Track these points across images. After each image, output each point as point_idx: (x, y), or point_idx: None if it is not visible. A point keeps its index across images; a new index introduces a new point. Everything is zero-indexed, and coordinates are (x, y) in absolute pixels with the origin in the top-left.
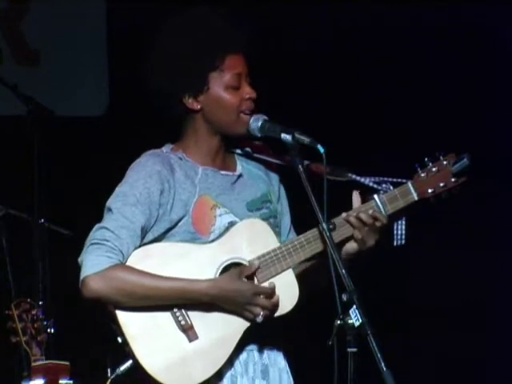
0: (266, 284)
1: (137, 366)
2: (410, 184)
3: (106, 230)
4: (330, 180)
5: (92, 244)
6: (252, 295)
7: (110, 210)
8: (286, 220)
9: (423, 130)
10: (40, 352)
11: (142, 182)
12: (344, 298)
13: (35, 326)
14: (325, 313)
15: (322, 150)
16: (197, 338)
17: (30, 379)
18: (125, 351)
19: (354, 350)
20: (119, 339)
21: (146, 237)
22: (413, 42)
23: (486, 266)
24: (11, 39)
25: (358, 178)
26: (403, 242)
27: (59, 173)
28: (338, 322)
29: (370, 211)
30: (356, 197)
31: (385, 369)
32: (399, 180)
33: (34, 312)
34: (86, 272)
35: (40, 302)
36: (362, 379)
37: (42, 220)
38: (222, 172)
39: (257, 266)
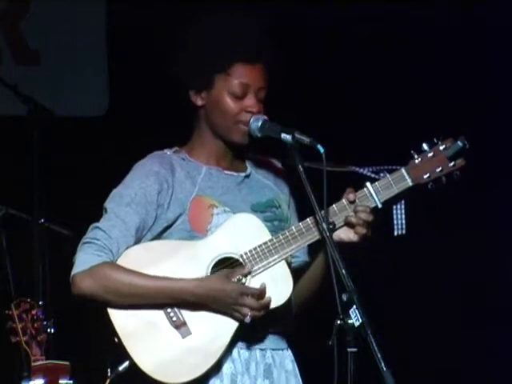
0: (258, 278)
1: (133, 365)
2: (403, 170)
3: (98, 229)
4: (329, 171)
5: (84, 243)
6: (238, 295)
7: (105, 210)
8: None
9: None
10: (40, 352)
11: (138, 183)
12: (344, 297)
13: (35, 325)
14: (325, 313)
15: (321, 150)
16: (190, 333)
17: (30, 379)
18: (122, 351)
19: (354, 349)
20: (116, 339)
21: (145, 236)
22: (414, 39)
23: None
24: (11, 39)
25: (357, 168)
26: (404, 231)
27: (59, 173)
28: (338, 322)
29: (368, 209)
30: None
31: (385, 369)
32: (396, 167)
33: (34, 312)
34: (74, 270)
35: (40, 302)
36: (361, 379)
37: (42, 220)
38: (227, 172)
39: (249, 269)
